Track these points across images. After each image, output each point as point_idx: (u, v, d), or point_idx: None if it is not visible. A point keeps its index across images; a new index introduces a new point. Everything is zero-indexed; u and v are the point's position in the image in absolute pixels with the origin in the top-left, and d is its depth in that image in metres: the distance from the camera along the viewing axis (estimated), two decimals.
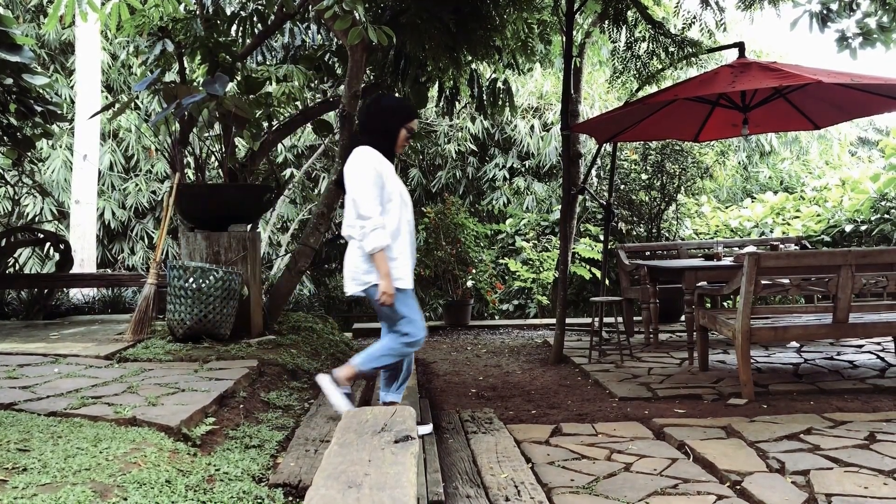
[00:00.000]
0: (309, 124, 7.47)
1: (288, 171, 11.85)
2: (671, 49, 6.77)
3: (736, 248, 7.46)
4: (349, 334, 8.30)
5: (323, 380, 3.63)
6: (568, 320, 7.26)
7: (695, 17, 7.09)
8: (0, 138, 6.72)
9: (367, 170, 3.41)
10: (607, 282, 7.49)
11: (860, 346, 6.38)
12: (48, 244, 7.92)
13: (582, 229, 9.78)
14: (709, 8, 6.94)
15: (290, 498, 2.70)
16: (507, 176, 12.34)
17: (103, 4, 5.80)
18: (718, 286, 5.67)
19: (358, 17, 5.10)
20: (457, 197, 10.92)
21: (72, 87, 11.38)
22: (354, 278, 3.51)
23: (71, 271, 7.77)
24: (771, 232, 9.76)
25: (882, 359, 5.83)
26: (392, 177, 3.53)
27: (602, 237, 8.05)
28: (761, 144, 14.47)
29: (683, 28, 7.06)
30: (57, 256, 7.83)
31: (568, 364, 6.28)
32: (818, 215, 9.43)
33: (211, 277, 5.00)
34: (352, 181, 3.42)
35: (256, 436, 3.34)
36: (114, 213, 11.64)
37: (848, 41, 6.95)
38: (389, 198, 3.46)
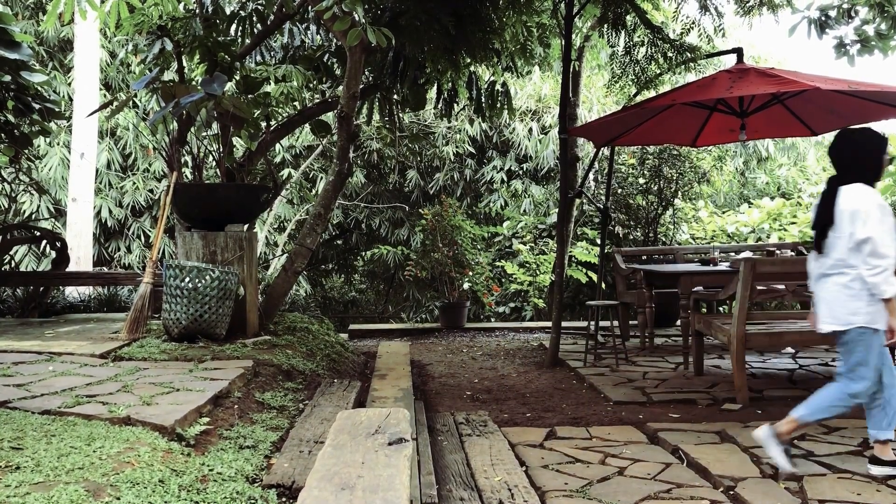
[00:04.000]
0: (307, 125, 7.47)
1: (286, 172, 11.85)
2: (670, 54, 6.78)
3: (732, 254, 7.47)
4: (345, 335, 8.30)
5: (763, 433, 3.45)
6: (564, 324, 7.26)
7: (694, 23, 7.11)
8: None
9: (877, 208, 3.35)
10: (603, 285, 7.50)
11: None
12: (44, 242, 7.91)
13: (579, 233, 9.78)
14: (708, 13, 6.96)
15: (284, 499, 2.70)
16: (505, 178, 12.35)
17: (102, 2, 5.79)
18: (714, 291, 5.68)
19: (357, 19, 5.11)
20: (454, 199, 10.91)
21: (70, 85, 11.35)
22: (836, 316, 3.42)
23: (67, 269, 7.75)
24: (768, 237, 9.77)
25: None
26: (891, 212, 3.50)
27: (599, 241, 8.06)
28: (759, 150, 14.50)
29: (682, 33, 7.07)
30: (53, 254, 7.80)
31: (563, 367, 6.29)
32: None
33: (207, 277, 5.00)
34: (866, 222, 3.33)
35: (250, 436, 3.34)
36: (111, 212, 11.62)
37: (846, 48, 6.96)
38: (891, 233, 3.40)
